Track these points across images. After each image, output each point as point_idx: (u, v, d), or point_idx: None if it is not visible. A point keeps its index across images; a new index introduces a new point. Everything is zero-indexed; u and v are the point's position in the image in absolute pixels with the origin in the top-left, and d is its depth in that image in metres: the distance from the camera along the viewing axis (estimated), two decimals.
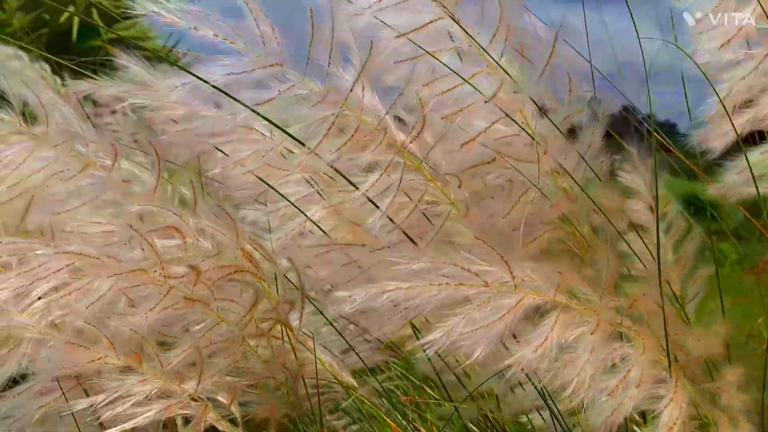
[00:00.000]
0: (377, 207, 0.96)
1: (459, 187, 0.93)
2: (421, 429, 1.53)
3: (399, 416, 1.56)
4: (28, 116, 1.14)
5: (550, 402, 1.05)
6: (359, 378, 1.55)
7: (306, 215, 1.23)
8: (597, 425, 0.84)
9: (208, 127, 1.18)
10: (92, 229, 1.09)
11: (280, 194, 1.23)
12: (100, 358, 1.00)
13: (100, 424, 1.12)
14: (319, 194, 1.25)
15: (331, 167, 0.97)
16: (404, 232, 0.97)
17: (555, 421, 1.05)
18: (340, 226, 1.26)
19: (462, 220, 0.95)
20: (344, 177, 0.99)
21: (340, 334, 1.36)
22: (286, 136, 1.01)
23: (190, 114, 1.19)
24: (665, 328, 0.80)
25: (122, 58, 1.26)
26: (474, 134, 0.97)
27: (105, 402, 0.99)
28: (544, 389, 1.03)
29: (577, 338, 0.77)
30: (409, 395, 1.62)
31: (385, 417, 1.51)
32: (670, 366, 0.81)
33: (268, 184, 1.21)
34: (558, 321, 0.74)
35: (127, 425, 1.00)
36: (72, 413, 1.05)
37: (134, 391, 1.02)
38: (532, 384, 1.01)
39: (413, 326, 1.28)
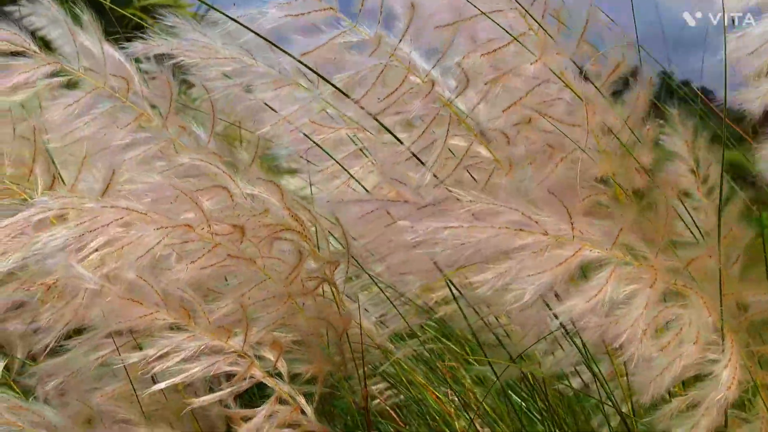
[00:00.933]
0: (422, 163, 0.96)
1: (508, 143, 0.93)
2: (458, 393, 1.55)
3: (436, 380, 1.58)
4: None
5: (591, 364, 1.06)
6: (396, 343, 1.56)
7: (349, 173, 1.24)
8: (643, 384, 0.84)
9: (257, 82, 1.18)
10: (142, 185, 1.10)
11: (325, 151, 1.23)
12: (152, 313, 1.02)
13: (151, 378, 1.15)
14: (362, 152, 1.26)
15: (377, 120, 0.97)
16: (449, 189, 0.97)
17: (597, 383, 1.05)
18: (383, 185, 1.26)
19: (507, 178, 0.95)
20: (389, 131, 0.99)
21: (382, 290, 1.37)
22: (332, 88, 1.02)
23: (239, 70, 1.20)
24: (720, 289, 0.80)
25: (168, 19, 1.26)
26: (518, 97, 0.97)
27: (156, 356, 1.00)
28: (586, 349, 1.04)
29: (629, 295, 0.77)
30: (445, 360, 1.63)
31: (422, 381, 1.53)
32: (722, 327, 0.81)
33: (314, 141, 1.21)
34: (613, 274, 0.74)
35: (177, 379, 1.01)
36: (125, 367, 1.07)
37: (183, 346, 1.04)
38: (574, 344, 1.02)
39: (450, 285, 1.29)
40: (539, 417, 1.34)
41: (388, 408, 1.59)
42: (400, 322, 1.49)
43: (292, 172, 1.76)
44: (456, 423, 1.51)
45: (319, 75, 0.96)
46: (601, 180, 1.06)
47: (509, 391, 1.41)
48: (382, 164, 1.11)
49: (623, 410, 1.09)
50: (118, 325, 0.99)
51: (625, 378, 1.10)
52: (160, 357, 1.04)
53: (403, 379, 1.53)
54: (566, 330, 1.02)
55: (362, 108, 0.94)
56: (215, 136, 1.35)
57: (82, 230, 0.97)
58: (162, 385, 1.02)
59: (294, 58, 0.95)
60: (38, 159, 1.06)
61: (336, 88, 0.96)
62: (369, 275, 1.38)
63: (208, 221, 1.06)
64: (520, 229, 0.74)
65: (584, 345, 1.02)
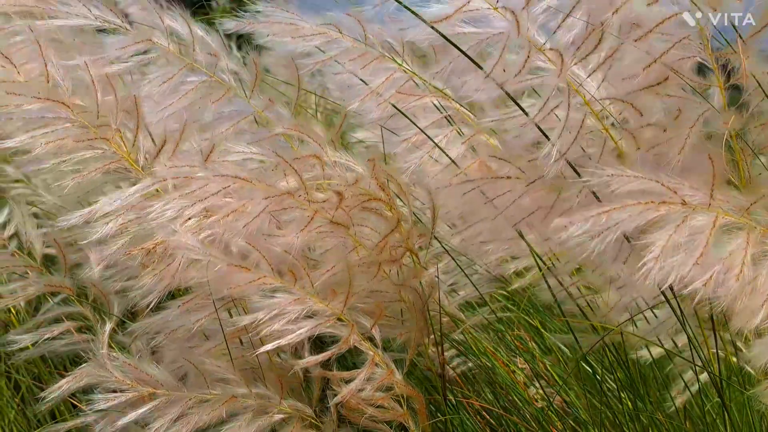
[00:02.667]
0: (546, 136, 0.95)
1: (635, 111, 0.92)
2: (528, 361, 1.56)
3: (505, 349, 1.59)
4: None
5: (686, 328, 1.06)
6: (465, 311, 1.58)
7: (434, 141, 1.25)
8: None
9: (346, 56, 1.19)
10: (236, 156, 1.12)
11: (411, 121, 1.24)
12: (259, 278, 1.04)
13: (239, 340, 1.17)
14: (448, 120, 1.27)
15: (504, 90, 0.96)
16: (569, 162, 0.96)
17: (693, 350, 1.06)
18: (468, 156, 1.27)
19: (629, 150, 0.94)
20: (515, 102, 0.99)
21: (454, 259, 1.38)
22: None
23: (326, 44, 1.21)
24: None
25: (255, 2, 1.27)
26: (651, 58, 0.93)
27: (265, 319, 1.03)
28: (682, 314, 1.04)
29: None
30: (514, 329, 1.65)
31: (492, 349, 1.54)
32: None
33: (401, 112, 1.22)
34: (749, 241, 0.74)
35: (283, 341, 1.04)
36: (221, 327, 1.10)
37: (288, 309, 1.06)
38: (675, 313, 1.03)
39: (534, 255, 1.30)
40: (615, 386, 1.35)
41: (456, 376, 1.61)
42: (471, 291, 1.51)
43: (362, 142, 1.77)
44: (525, 392, 1.52)
45: (448, 40, 0.96)
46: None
47: (581, 363, 1.42)
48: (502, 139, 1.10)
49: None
50: (228, 291, 1.01)
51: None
52: (267, 320, 1.06)
53: (473, 347, 1.54)
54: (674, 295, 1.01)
55: (492, 79, 0.93)
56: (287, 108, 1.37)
57: (194, 199, 0.99)
58: (269, 347, 1.04)
59: (428, 24, 0.95)
60: (140, 131, 1.08)
61: (467, 56, 0.96)
62: (440, 243, 1.39)
63: (306, 189, 1.08)
64: (663, 201, 0.74)
65: (681, 310, 1.02)
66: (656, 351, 1.31)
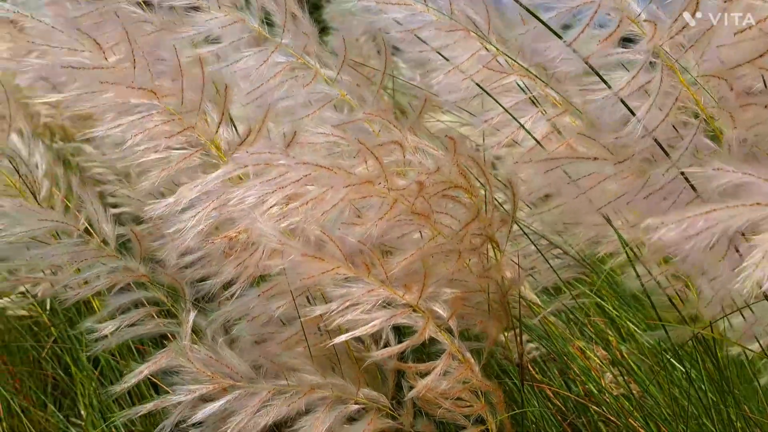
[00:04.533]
0: (632, 112, 0.89)
1: (731, 89, 0.86)
2: (604, 349, 1.52)
3: (580, 335, 1.54)
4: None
5: None
6: (545, 297, 1.53)
7: (520, 122, 1.20)
8: None
9: (427, 30, 1.15)
10: (318, 139, 1.09)
11: (496, 101, 1.19)
12: (334, 268, 1.01)
13: (318, 327, 1.15)
14: (533, 101, 1.21)
15: (587, 63, 0.91)
16: (656, 141, 0.91)
17: None
18: (554, 139, 1.22)
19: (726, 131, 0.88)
20: (599, 75, 0.94)
21: (533, 243, 1.34)
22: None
23: (409, 17, 1.16)
24: None
25: None
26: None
27: (338, 309, 1.00)
28: None
29: None
30: (591, 316, 1.60)
31: (569, 336, 1.49)
32: None
33: (484, 90, 1.17)
34: None
35: (358, 332, 1.01)
36: (299, 316, 1.08)
37: (363, 300, 1.03)
38: None
39: (622, 241, 1.24)
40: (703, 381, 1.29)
41: (527, 361, 1.57)
42: (550, 276, 1.46)
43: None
44: (601, 379, 1.48)
45: (529, 11, 0.91)
46: None
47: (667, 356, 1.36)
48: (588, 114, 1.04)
49: None
50: (302, 282, 0.99)
51: None
52: (342, 310, 1.03)
53: (547, 331, 1.49)
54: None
55: (574, 51, 0.88)
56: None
57: (274, 186, 0.96)
58: (344, 337, 1.02)
59: None
60: (225, 114, 1.05)
61: (547, 26, 0.90)
62: (520, 226, 1.34)
63: (386, 176, 1.04)
64: None
65: None
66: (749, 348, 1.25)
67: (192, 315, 1.11)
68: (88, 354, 1.33)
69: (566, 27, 0.92)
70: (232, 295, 1.05)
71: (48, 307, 1.69)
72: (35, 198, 1.35)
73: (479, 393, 1.19)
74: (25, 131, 1.59)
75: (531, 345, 1.57)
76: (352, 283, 1.05)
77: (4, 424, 1.66)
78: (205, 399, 1.03)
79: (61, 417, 1.67)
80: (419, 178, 1.09)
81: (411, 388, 1.11)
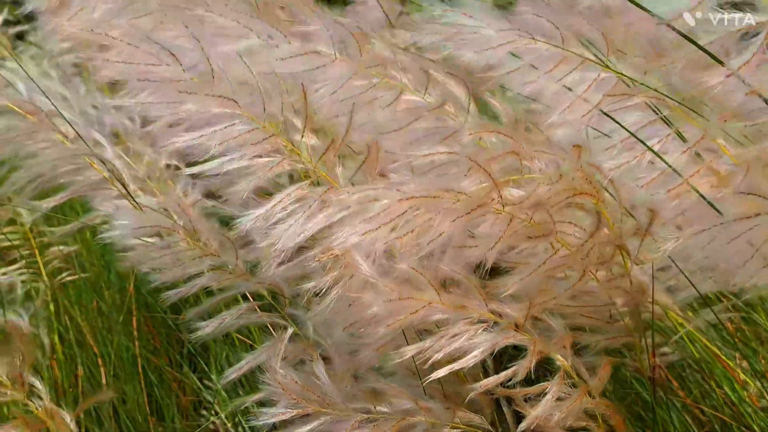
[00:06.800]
0: None
1: None
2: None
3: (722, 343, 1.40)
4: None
5: None
6: (690, 311, 1.40)
7: (647, 145, 1.05)
8: None
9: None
10: (420, 160, 1.00)
11: (620, 124, 1.05)
12: (424, 307, 0.95)
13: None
14: (665, 121, 1.06)
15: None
16: None
17: None
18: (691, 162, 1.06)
19: None
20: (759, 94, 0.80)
21: (676, 265, 1.19)
22: None
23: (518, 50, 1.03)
24: None
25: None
26: None
27: (432, 347, 0.95)
28: None
29: None
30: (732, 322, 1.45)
31: (717, 352, 1.36)
32: None
33: (608, 116, 1.04)
34: None
35: (456, 366, 0.95)
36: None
37: (461, 330, 0.96)
38: None
39: None
40: None
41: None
42: (691, 290, 1.31)
43: None
44: (743, 391, 1.34)
45: (683, 35, 0.78)
46: None
47: None
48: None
49: None
50: (395, 323, 0.93)
51: None
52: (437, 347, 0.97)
53: (684, 337, 1.37)
54: None
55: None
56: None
57: (377, 223, 0.89)
58: (442, 372, 0.95)
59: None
60: (309, 120, 0.99)
61: (707, 52, 0.78)
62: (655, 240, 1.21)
63: (500, 192, 0.94)
64: None
65: None
66: None
67: (290, 330, 1.09)
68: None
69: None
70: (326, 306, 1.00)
71: None
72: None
73: (597, 416, 1.10)
74: None
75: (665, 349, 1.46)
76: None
77: (142, 378, 1.77)
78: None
79: (195, 378, 1.78)
80: (539, 190, 0.98)
81: (510, 406, 1.04)
